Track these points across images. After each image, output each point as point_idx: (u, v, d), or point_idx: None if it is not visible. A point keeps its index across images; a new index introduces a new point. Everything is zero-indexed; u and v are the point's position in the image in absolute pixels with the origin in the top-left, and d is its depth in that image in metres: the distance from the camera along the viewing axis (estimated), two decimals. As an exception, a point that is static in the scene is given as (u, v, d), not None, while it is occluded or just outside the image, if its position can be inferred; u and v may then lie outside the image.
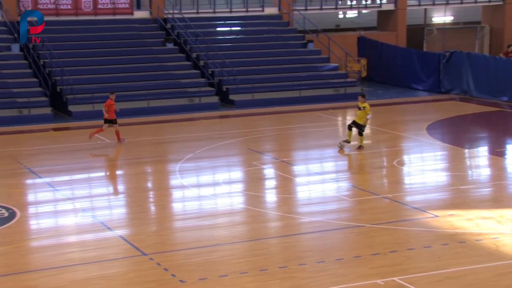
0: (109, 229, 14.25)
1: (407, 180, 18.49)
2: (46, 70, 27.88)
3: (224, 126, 25.69)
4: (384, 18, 36.95)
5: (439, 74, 31.04)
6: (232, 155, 21.07)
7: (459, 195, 16.30)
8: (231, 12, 33.53)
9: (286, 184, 17.75)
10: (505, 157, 20.62)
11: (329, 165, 20.02)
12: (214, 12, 33.25)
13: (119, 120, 22.21)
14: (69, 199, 16.45)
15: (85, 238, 13.82)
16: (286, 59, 31.30)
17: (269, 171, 18.91)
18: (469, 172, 19.29)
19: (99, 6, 31.03)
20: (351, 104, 26.20)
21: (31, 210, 16.23)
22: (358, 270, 11.99)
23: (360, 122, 20.57)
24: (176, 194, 17.38)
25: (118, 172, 19.62)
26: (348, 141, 20.60)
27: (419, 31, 38.01)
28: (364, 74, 33.93)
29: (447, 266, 12.01)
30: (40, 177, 18.27)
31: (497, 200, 16.09)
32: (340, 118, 26.63)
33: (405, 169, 19.17)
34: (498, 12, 37.81)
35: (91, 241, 13.62)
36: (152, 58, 29.91)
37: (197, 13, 32.90)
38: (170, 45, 30.74)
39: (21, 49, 28.81)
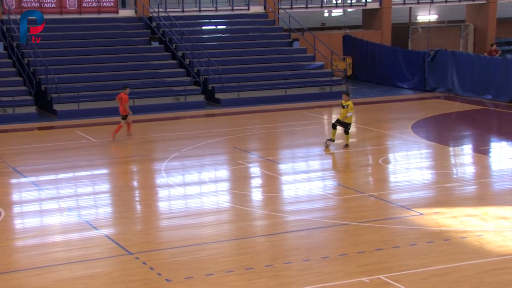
0: (95, 228, 14.20)
1: (392, 178, 18.55)
2: (30, 69, 27.73)
3: (210, 124, 25.67)
4: (369, 16, 37.06)
5: (424, 73, 31.17)
6: (218, 153, 21.06)
7: (444, 193, 16.38)
8: (216, 10, 33.51)
9: (272, 183, 17.76)
10: (489, 155, 20.75)
11: (315, 164, 20.05)
12: (200, 11, 33.22)
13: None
14: (54, 198, 16.37)
15: (70, 238, 13.76)
16: (271, 58, 31.32)
17: (255, 169, 18.91)
18: (454, 170, 19.39)
19: (84, 4, 30.90)
20: (337, 102, 26.20)
21: (16, 209, 16.13)
22: (344, 268, 12.02)
23: (346, 120, 20.58)
24: (162, 193, 17.34)
25: (104, 171, 19.55)
26: (332, 140, 20.63)
27: (404, 30, 38.17)
28: (349, 72, 34.02)
29: (432, 263, 12.06)
30: (25, 176, 18.17)
31: (482, 198, 16.19)
32: (325, 117, 26.68)
33: (391, 167, 19.23)
34: (482, 10, 38.04)
35: (76, 241, 13.56)
36: (137, 57, 29.84)
37: (183, 11, 32.86)
38: (155, 44, 30.67)
39: (5, 48, 28.64)
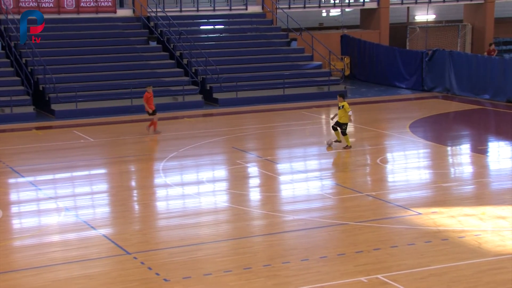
0: (92, 228, 14.19)
1: (390, 178, 18.56)
2: (28, 69, 27.71)
3: (208, 124, 25.67)
4: (367, 16, 37.07)
5: (422, 72, 31.18)
6: (216, 153, 21.06)
7: (442, 193, 16.39)
8: (214, 10, 33.51)
9: (270, 183, 17.76)
10: (487, 154, 20.77)
11: (313, 163, 20.06)
12: (198, 11, 33.21)
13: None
14: (51, 198, 16.36)
15: (68, 237, 13.76)
16: (269, 58, 31.32)
17: (253, 169, 18.91)
18: (452, 169, 19.41)
19: (82, 4, 30.88)
20: (335, 102, 26.19)
21: (14, 209, 16.11)
22: (342, 268, 12.03)
23: (341, 120, 20.54)
24: (160, 192, 17.33)
25: (102, 171, 19.54)
26: (338, 141, 20.62)
27: (401, 30, 38.18)
28: (347, 72, 34.03)
29: (430, 263, 12.07)
30: (23, 176, 18.16)
31: (479, 198, 16.20)
32: (323, 116, 26.68)
33: (388, 167, 19.24)
34: (480, 10, 38.07)
35: (74, 240, 13.55)
36: (135, 57, 29.83)
37: (180, 11, 32.85)
38: (153, 44, 30.66)
39: (3, 48, 28.61)
